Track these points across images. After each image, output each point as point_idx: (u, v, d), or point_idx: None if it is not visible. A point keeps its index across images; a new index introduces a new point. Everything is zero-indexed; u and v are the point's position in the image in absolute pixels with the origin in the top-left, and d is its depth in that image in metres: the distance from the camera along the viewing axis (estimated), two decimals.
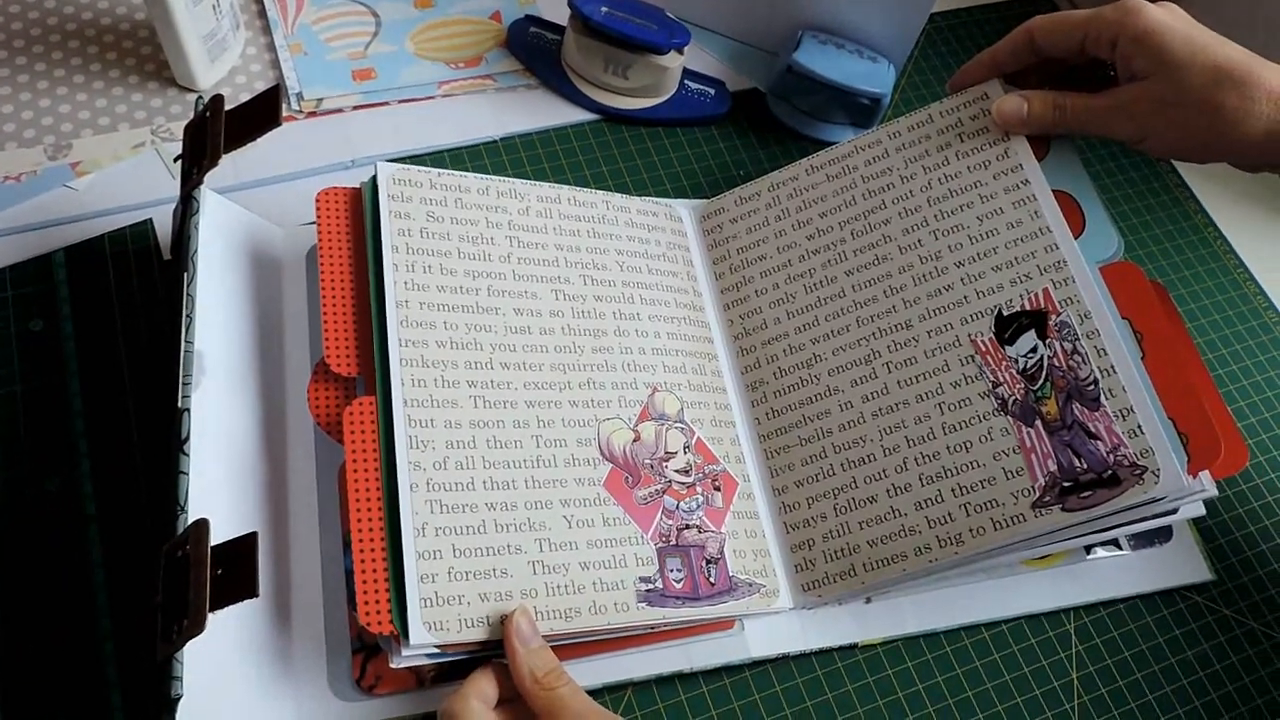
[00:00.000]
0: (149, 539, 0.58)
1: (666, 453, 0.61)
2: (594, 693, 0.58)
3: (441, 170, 0.63)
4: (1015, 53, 0.64)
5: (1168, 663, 0.64)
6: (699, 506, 0.60)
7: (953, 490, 0.58)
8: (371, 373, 0.56)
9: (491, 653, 0.53)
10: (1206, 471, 0.54)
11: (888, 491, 0.60)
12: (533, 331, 0.61)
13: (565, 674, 0.51)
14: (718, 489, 0.61)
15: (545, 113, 0.79)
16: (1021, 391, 0.58)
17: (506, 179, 0.65)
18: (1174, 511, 0.55)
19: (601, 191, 0.69)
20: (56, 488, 0.59)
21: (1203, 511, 0.58)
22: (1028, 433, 0.57)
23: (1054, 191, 0.61)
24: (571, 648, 0.57)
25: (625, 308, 0.64)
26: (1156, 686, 0.63)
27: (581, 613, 0.54)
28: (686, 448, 0.62)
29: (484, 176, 0.64)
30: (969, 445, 0.58)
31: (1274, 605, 0.67)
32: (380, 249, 0.59)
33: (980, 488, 0.57)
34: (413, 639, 0.49)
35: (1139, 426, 0.54)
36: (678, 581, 0.57)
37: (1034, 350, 0.58)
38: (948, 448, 0.59)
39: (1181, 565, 0.67)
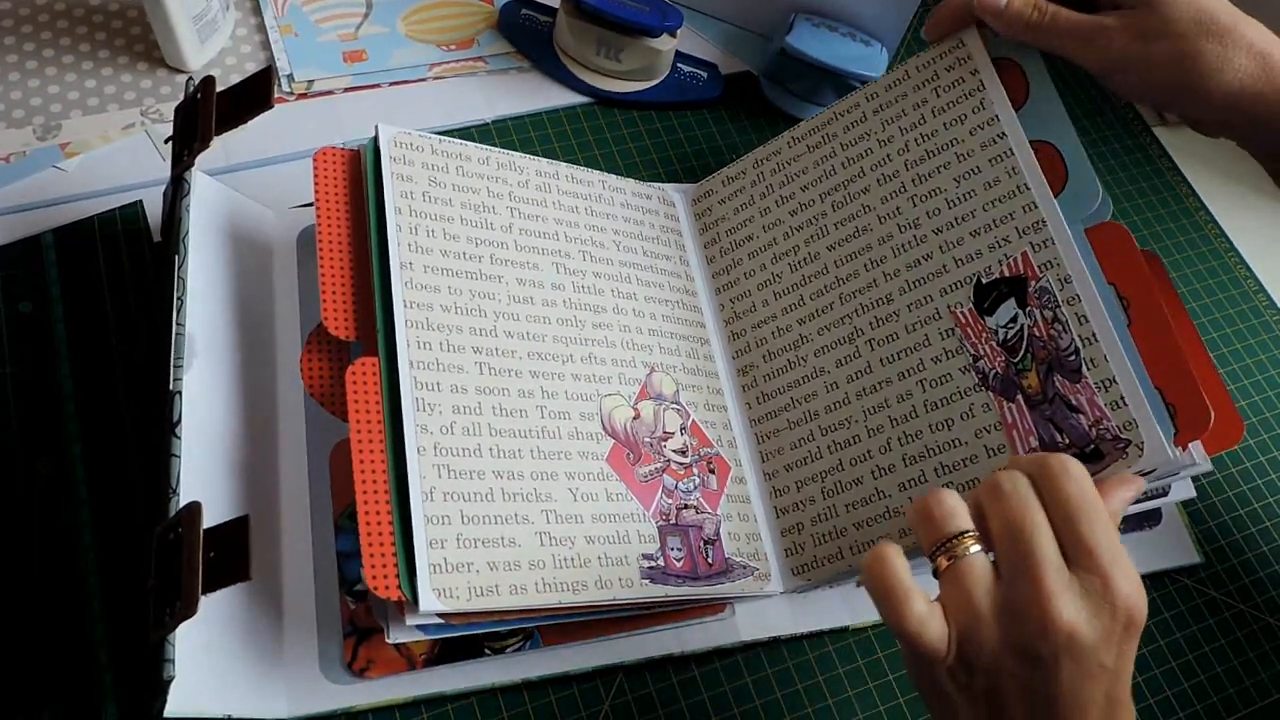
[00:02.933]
0: (141, 522, 0.58)
1: (665, 432, 0.61)
2: (585, 676, 0.58)
3: (443, 137, 0.63)
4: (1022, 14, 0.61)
5: (1156, 645, 0.64)
6: (696, 488, 0.60)
7: (935, 470, 0.57)
8: (371, 337, 0.56)
9: (497, 626, 0.53)
10: (1199, 444, 0.53)
11: (872, 473, 0.60)
12: (535, 302, 0.60)
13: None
14: (712, 471, 0.62)
15: (537, 95, 0.78)
16: (1002, 364, 0.56)
17: (506, 151, 0.65)
18: (1165, 493, 0.55)
19: (598, 171, 0.68)
20: (48, 470, 0.59)
21: (1193, 493, 0.57)
22: (1009, 408, 0.56)
23: (1034, 143, 0.59)
24: (564, 630, 0.57)
25: (623, 286, 0.64)
26: (1145, 669, 0.63)
27: (588, 586, 0.54)
28: (683, 429, 0.62)
29: (484, 147, 0.64)
30: (950, 423, 0.57)
31: (1263, 588, 0.67)
32: (383, 209, 0.58)
33: (962, 466, 0.57)
34: (422, 605, 0.49)
35: (1122, 398, 0.52)
36: (678, 560, 0.57)
37: (1014, 320, 0.57)
38: (930, 426, 0.58)
39: (1171, 548, 0.67)
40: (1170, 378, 0.52)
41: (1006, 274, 0.58)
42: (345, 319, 0.57)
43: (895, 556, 0.45)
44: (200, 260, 0.57)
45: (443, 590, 0.50)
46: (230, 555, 0.46)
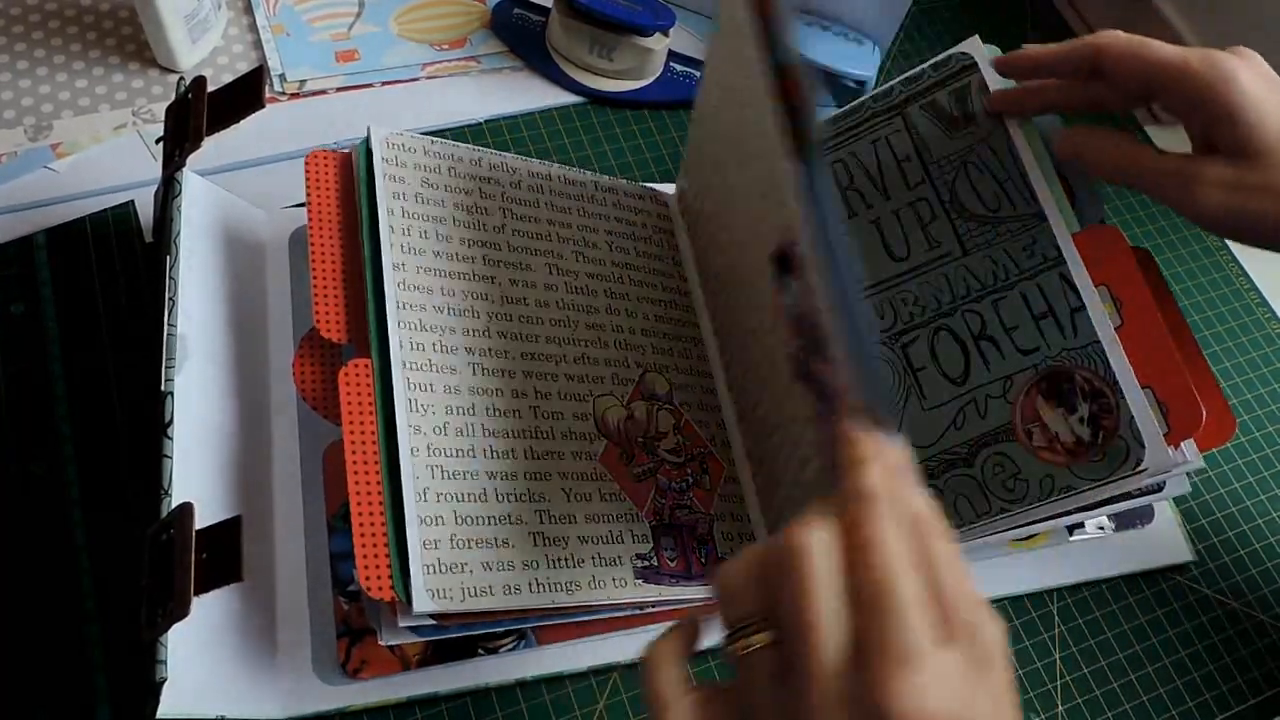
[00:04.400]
0: (133, 522, 0.58)
1: (658, 432, 0.61)
2: (579, 675, 0.58)
3: (434, 138, 0.63)
4: (1075, 66, 0.56)
5: (1149, 642, 0.65)
6: (689, 487, 0.60)
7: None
8: (363, 339, 0.56)
9: (489, 629, 0.53)
10: (1191, 442, 0.53)
11: None
12: (529, 303, 0.61)
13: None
14: (705, 471, 0.62)
15: (530, 95, 0.78)
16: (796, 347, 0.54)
17: (498, 152, 0.65)
18: (1160, 489, 0.55)
19: (590, 172, 0.68)
20: (41, 471, 0.59)
21: (1187, 488, 0.57)
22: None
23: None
24: (558, 629, 0.57)
25: (616, 287, 0.64)
26: (1138, 666, 0.64)
27: (582, 586, 0.54)
28: (676, 428, 0.62)
29: (476, 148, 0.64)
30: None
31: (1254, 585, 0.68)
32: (375, 210, 0.58)
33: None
34: (416, 606, 0.49)
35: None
36: (672, 560, 0.57)
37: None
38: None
39: (1163, 546, 0.67)
40: (1162, 376, 0.52)
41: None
42: (337, 321, 0.57)
43: (664, 664, 0.40)
44: (192, 260, 0.57)
45: (436, 591, 0.50)
46: (222, 556, 0.46)
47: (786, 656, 0.35)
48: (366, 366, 0.54)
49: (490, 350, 0.58)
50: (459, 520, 0.52)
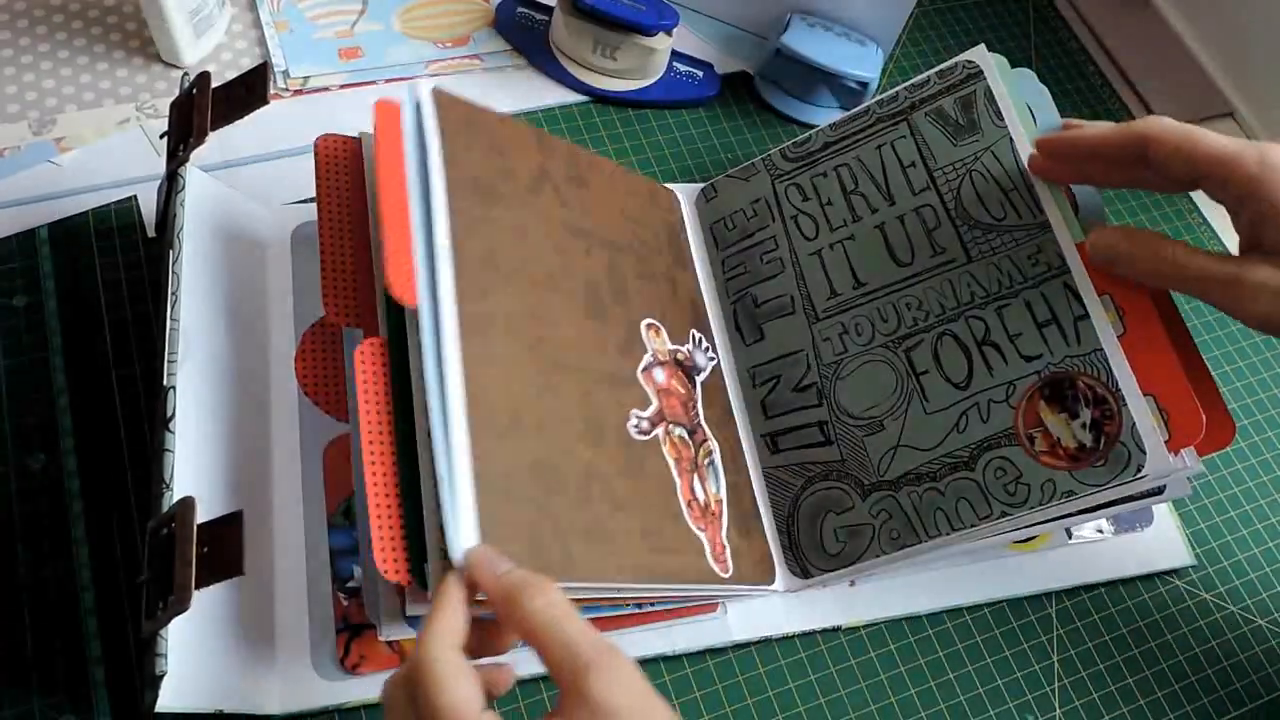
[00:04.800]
0: (132, 516, 0.58)
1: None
2: None
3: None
4: (1120, 149, 0.55)
5: (1148, 646, 0.65)
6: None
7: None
8: (372, 325, 0.54)
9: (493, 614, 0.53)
10: (1192, 449, 0.53)
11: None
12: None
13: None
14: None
15: (533, 93, 0.78)
16: None
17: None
18: (1160, 491, 0.55)
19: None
20: (40, 464, 0.59)
21: (1188, 491, 0.57)
22: None
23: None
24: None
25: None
26: (1136, 670, 0.64)
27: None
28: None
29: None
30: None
31: (1253, 590, 0.68)
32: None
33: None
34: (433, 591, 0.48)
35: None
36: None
37: None
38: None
39: (1162, 549, 0.67)
40: (1164, 384, 0.53)
41: None
42: (346, 304, 0.55)
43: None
44: (194, 255, 0.57)
45: None
46: (224, 550, 0.46)
47: None
48: (381, 345, 0.51)
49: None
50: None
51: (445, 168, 0.54)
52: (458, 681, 0.40)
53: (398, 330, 0.52)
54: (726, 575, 0.57)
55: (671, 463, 0.58)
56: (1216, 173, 0.51)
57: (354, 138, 0.61)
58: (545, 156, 0.61)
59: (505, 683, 0.46)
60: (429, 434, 0.49)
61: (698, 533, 0.57)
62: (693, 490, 0.59)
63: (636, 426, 0.57)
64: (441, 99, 0.56)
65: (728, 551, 0.58)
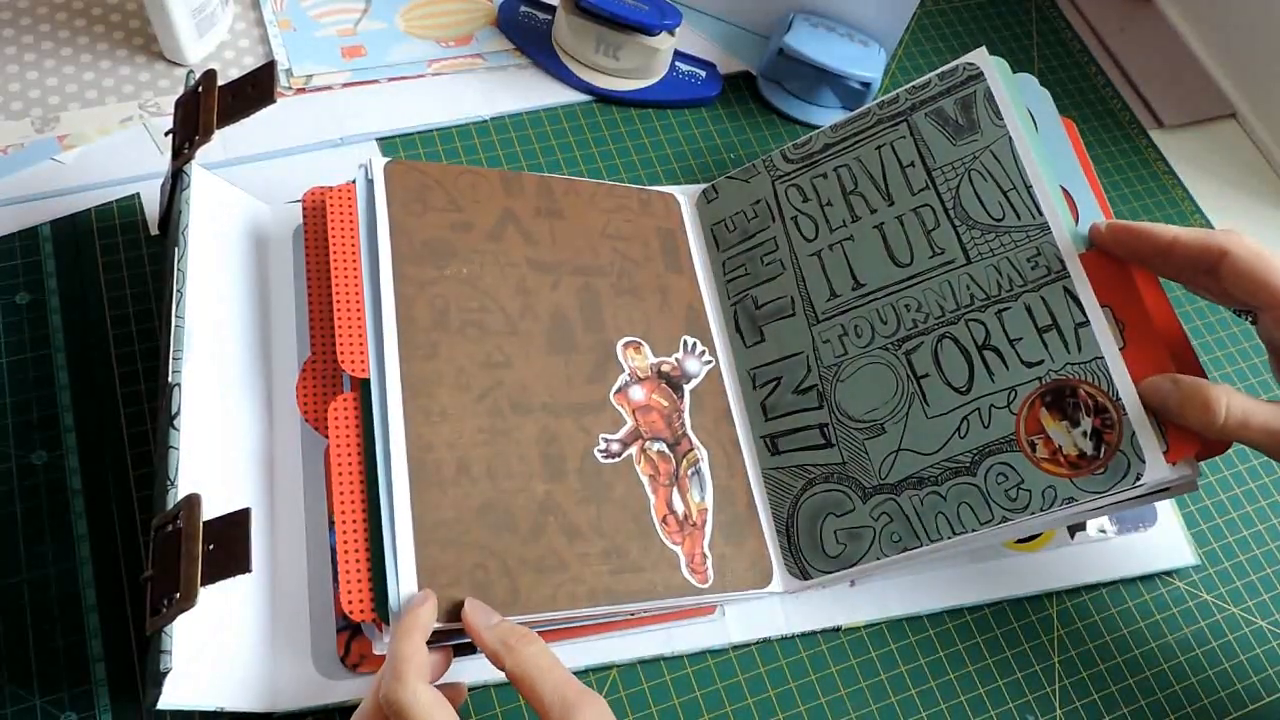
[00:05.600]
0: (134, 514, 0.58)
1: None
2: (579, 674, 0.58)
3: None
4: (1194, 261, 0.54)
5: (1149, 647, 0.65)
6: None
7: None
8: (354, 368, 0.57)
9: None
10: (1190, 457, 0.53)
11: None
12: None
13: (531, 634, 0.50)
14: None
15: (535, 93, 0.78)
16: None
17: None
18: (1165, 490, 0.55)
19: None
20: (43, 461, 0.59)
21: (1194, 488, 0.57)
22: None
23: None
24: (552, 631, 0.57)
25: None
26: (1137, 670, 0.64)
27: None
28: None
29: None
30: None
31: (1255, 591, 0.68)
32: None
33: None
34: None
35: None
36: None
37: None
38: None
39: (1164, 550, 0.67)
40: None
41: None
42: (333, 351, 0.58)
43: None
44: (197, 253, 0.57)
45: None
46: (231, 547, 0.46)
47: None
48: (356, 399, 0.55)
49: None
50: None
51: (393, 239, 0.58)
52: (438, 711, 0.45)
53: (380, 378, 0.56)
54: (704, 585, 0.58)
55: (645, 480, 0.59)
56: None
57: (341, 186, 0.61)
58: (511, 198, 0.64)
59: (461, 698, 0.52)
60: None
61: (672, 547, 0.58)
62: (670, 504, 0.59)
63: (605, 451, 0.59)
64: (395, 171, 0.61)
65: (708, 561, 0.59)
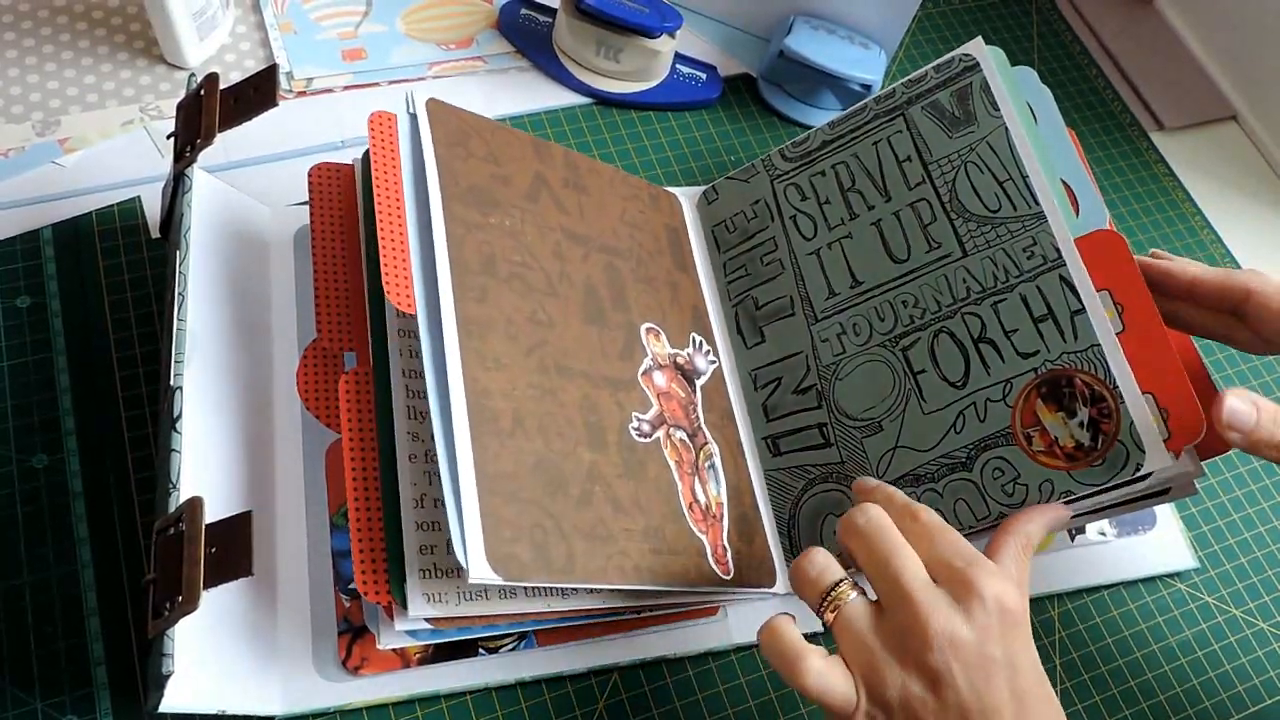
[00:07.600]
0: (135, 517, 0.58)
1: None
2: (580, 676, 0.58)
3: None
4: (1218, 295, 0.55)
5: (1150, 649, 0.65)
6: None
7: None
8: (364, 347, 0.56)
9: (489, 630, 0.53)
10: (1192, 450, 0.52)
11: None
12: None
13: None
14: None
15: (536, 95, 0.78)
16: None
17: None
18: (1166, 491, 0.54)
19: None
20: (44, 464, 0.59)
21: (1195, 491, 0.57)
22: None
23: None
24: (558, 631, 0.57)
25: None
26: (1139, 673, 0.64)
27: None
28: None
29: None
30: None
31: (1256, 592, 0.68)
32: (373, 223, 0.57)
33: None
34: (412, 610, 0.49)
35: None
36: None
37: None
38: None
39: (1165, 552, 0.67)
40: (1163, 383, 0.52)
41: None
42: (338, 331, 0.57)
43: (784, 625, 0.48)
44: (199, 256, 0.57)
45: (433, 595, 0.50)
46: (232, 550, 0.46)
47: (880, 587, 0.47)
48: (367, 375, 0.54)
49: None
50: None
51: (441, 176, 0.56)
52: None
53: (385, 355, 0.55)
54: (728, 577, 0.57)
55: (673, 465, 0.58)
56: None
57: (348, 165, 0.61)
58: (542, 163, 0.62)
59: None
60: (410, 458, 0.52)
61: (699, 535, 0.57)
62: (694, 493, 0.59)
63: (637, 429, 0.58)
64: (436, 109, 0.58)
65: (729, 554, 0.58)
